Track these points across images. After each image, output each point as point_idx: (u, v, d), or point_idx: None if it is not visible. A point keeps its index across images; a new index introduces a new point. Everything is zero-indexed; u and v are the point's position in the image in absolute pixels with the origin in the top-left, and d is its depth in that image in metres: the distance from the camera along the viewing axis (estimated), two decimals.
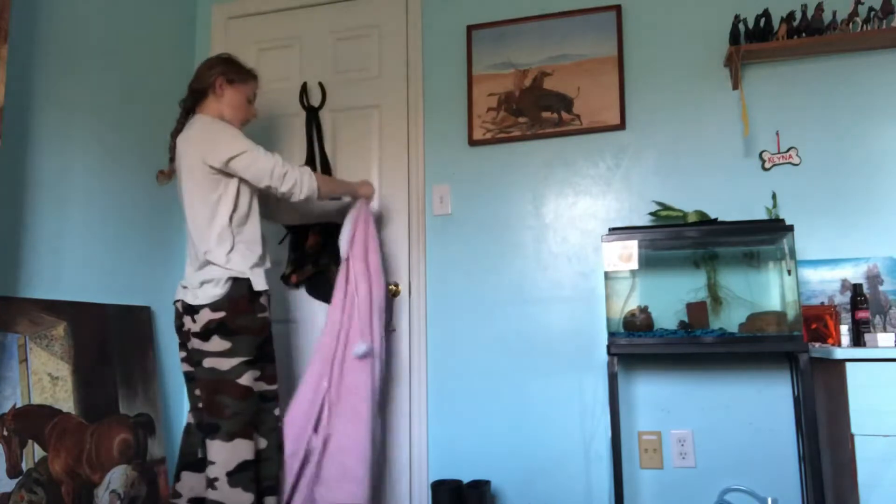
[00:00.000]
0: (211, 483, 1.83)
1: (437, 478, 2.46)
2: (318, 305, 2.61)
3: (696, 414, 2.27)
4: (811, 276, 2.20)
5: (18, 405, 1.93)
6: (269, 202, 2.21)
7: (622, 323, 2.24)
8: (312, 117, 2.73)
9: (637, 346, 2.03)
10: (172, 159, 2.07)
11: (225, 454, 1.83)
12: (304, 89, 2.75)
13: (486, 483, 2.31)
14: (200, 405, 1.92)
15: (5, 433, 1.88)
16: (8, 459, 1.87)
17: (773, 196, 2.27)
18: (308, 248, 2.53)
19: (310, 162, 2.69)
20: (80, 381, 2.14)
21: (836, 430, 1.89)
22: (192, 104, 2.07)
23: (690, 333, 2.06)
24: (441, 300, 2.55)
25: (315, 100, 2.76)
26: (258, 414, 1.94)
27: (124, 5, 2.54)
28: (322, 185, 2.07)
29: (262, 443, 1.96)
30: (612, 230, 2.15)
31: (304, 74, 2.81)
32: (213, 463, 1.84)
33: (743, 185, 2.32)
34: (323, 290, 2.55)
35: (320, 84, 2.75)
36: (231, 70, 2.07)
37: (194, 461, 2.01)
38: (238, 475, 1.83)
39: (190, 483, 2.00)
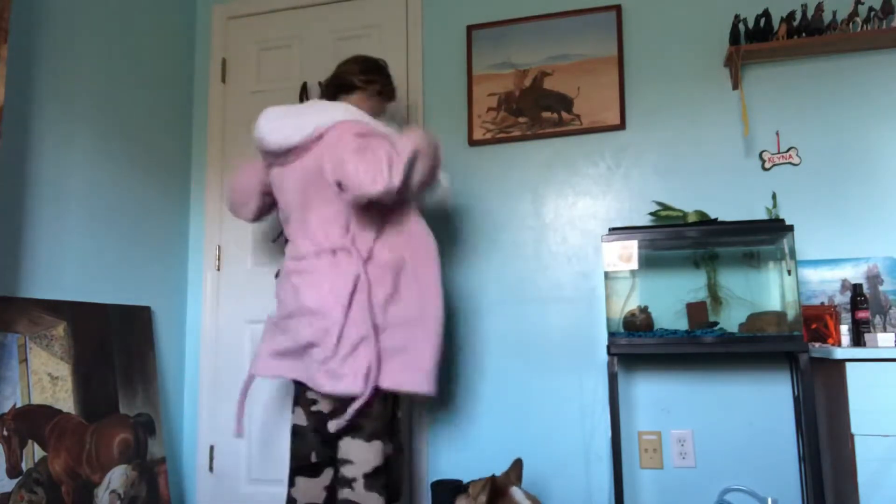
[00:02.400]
0: (349, 483, 1.76)
1: (437, 478, 2.46)
2: None
3: (696, 414, 2.27)
4: (811, 276, 2.20)
5: (18, 405, 1.93)
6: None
7: (622, 323, 2.24)
8: None
9: (637, 346, 2.03)
10: None
11: (364, 455, 1.77)
12: (304, 89, 2.75)
13: None
14: (318, 408, 1.87)
15: (5, 433, 1.88)
16: (8, 459, 1.87)
17: (773, 196, 2.27)
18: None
19: None
20: (80, 381, 2.14)
21: (836, 430, 1.89)
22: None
23: (704, 333, 2.06)
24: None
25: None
26: (393, 417, 1.87)
27: (124, 5, 2.54)
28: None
29: (390, 447, 1.85)
30: (612, 230, 2.15)
31: (305, 75, 2.81)
32: (351, 462, 1.77)
33: (743, 185, 2.32)
34: None
35: (320, 84, 2.75)
36: None
37: (307, 465, 1.91)
38: (374, 478, 1.76)
39: (304, 488, 1.90)
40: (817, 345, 2.03)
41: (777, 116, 2.33)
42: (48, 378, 2.04)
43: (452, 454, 2.47)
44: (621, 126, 2.43)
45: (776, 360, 2.23)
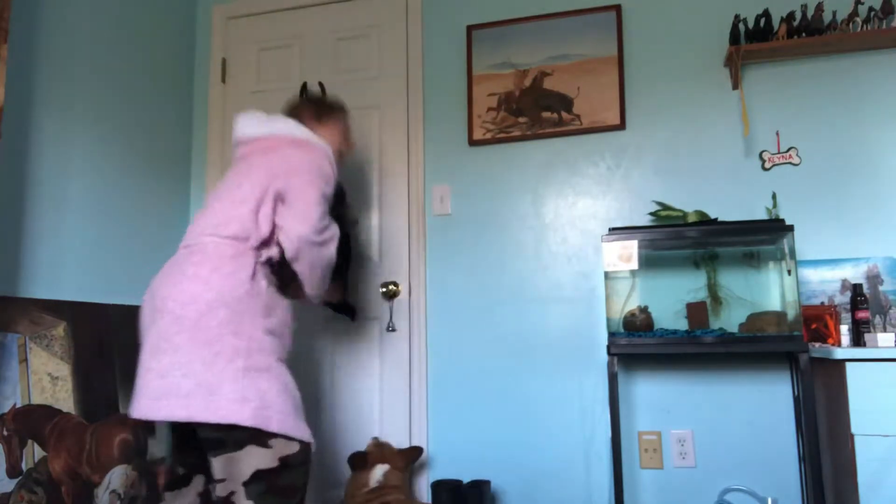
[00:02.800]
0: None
1: (437, 478, 2.46)
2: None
3: (696, 414, 2.27)
4: (811, 276, 2.20)
5: (18, 405, 1.93)
6: None
7: (622, 323, 2.24)
8: None
9: (637, 346, 2.03)
10: None
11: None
12: (303, 89, 2.75)
13: (486, 483, 2.31)
14: None
15: (5, 433, 1.88)
16: (8, 459, 1.87)
17: (773, 196, 2.27)
18: None
19: None
20: (80, 381, 2.14)
21: (836, 430, 1.89)
22: None
23: (704, 333, 2.06)
24: (441, 300, 2.55)
25: None
26: None
27: (124, 5, 2.54)
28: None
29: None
30: (612, 230, 2.15)
31: (305, 75, 2.81)
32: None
33: (743, 185, 2.32)
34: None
35: (320, 84, 2.75)
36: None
37: None
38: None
39: None
40: (817, 345, 2.03)
41: (777, 116, 2.33)
42: (48, 378, 2.04)
43: (452, 454, 2.47)
44: (621, 126, 2.43)
45: (776, 360, 2.23)
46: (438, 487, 2.27)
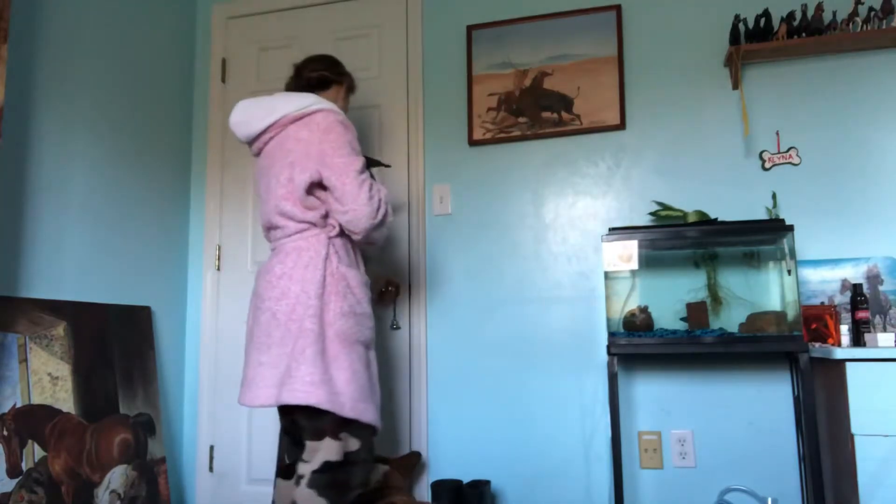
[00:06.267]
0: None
1: (436, 478, 2.46)
2: None
3: (696, 414, 2.27)
4: (811, 276, 2.20)
5: (18, 405, 1.93)
6: None
7: (622, 323, 2.24)
8: None
9: (637, 346, 2.03)
10: None
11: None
12: None
13: (486, 483, 2.31)
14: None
15: (5, 433, 1.88)
16: (8, 459, 1.87)
17: (774, 196, 2.27)
18: None
19: None
20: (80, 381, 2.14)
21: (836, 430, 1.89)
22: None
23: (704, 332, 2.06)
24: (441, 300, 2.55)
25: None
26: None
27: (124, 5, 2.54)
28: None
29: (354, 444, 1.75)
30: (612, 230, 2.15)
31: None
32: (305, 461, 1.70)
33: (743, 185, 2.32)
34: None
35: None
36: None
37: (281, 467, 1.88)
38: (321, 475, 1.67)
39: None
40: (817, 345, 2.03)
41: (777, 116, 2.33)
42: (48, 378, 2.04)
43: (452, 454, 2.47)
44: (621, 126, 2.43)
45: (776, 360, 2.23)
46: (438, 487, 2.27)
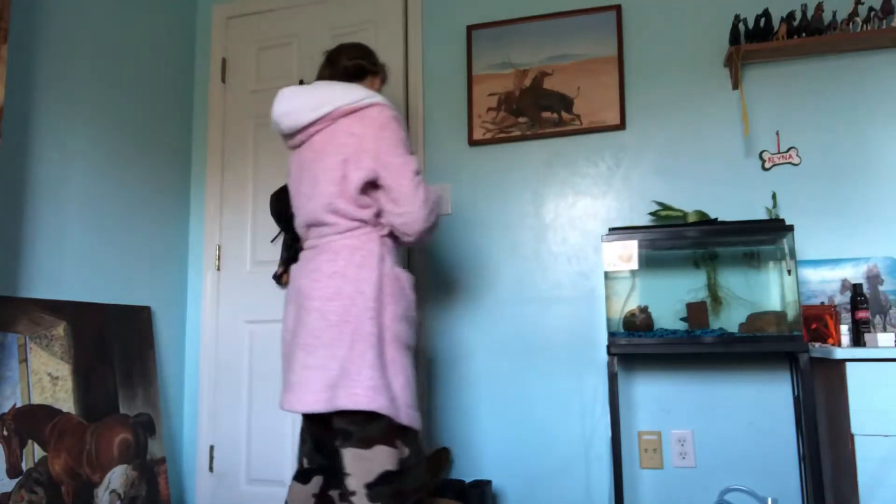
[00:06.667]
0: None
1: None
2: None
3: (696, 414, 2.27)
4: (811, 276, 2.20)
5: (18, 405, 1.93)
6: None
7: (622, 323, 2.24)
8: None
9: (637, 346, 2.03)
10: None
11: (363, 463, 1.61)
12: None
13: (488, 483, 2.31)
14: None
15: (5, 433, 1.88)
16: (8, 459, 1.87)
17: (773, 196, 2.27)
18: (300, 245, 2.49)
19: None
20: (80, 381, 2.14)
21: (836, 430, 1.89)
22: None
23: (704, 332, 2.06)
24: (441, 300, 2.55)
25: None
26: None
27: (124, 5, 2.54)
28: None
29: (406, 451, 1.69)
30: (612, 230, 2.15)
31: (303, 73, 2.80)
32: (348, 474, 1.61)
33: (743, 185, 2.32)
34: None
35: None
36: None
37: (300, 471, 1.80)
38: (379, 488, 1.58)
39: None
40: (817, 345, 2.03)
41: (777, 116, 2.33)
42: (48, 378, 2.04)
43: (453, 454, 2.46)
44: (621, 126, 2.43)
45: (776, 360, 2.23)
46: (441, 487, 2.26)
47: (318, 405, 1.56)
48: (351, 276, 1.62)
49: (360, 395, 1.54)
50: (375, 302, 1.61)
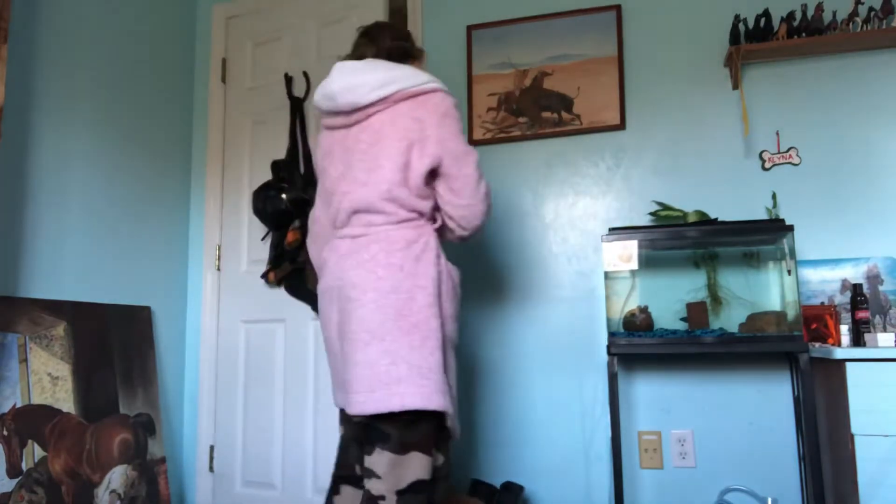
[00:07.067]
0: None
1: None
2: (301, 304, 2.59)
3: (696, 414, 2.27)
4: (811, 276, 2.20)
5: (18, 405, 1.93)
6: None
7: (622, 323, 2.24)
8: (296, 108, 2.67)
9: (637, 346, 2.03)
10: None
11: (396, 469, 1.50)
12: (288, 83, 2.71)
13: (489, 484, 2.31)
14: None
15: (5, 433, 1.88)
16: (8, 459, 1.87)
17: (773, 196, 2.27)
18: (287, 244, 2.47)
19: (292, 155, 2.63)
20: (80, 381, 2.14)
21: (836, 430, 1.89)
22: None
23: (704, 332, 2.06)
24: None
25: (300, 91, 2.71)
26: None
27: (124, 5, 2.54)
28: None
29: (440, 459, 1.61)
30: (612, 230, 2.15)
31: (302, 67, 2.77)
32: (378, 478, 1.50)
33: (743, 185, 2.32)
34: (301, 290, 2.50)
35: (305, 74, 2.70)
36: None
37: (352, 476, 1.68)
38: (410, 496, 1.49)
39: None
40: (817, 345, 2.03)
41: (777, 116, 2.33)
42: (48, 378, 2.04)
43: (452, 455, 2.46)
44: (621, 126, 2.43)
45: (776, 360, 2.23)
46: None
47: (380, 405, 1.44)
48: (408, 269, 1.51)
49: (433, 395, 1.45)
50: (436, 298, 1.51)
